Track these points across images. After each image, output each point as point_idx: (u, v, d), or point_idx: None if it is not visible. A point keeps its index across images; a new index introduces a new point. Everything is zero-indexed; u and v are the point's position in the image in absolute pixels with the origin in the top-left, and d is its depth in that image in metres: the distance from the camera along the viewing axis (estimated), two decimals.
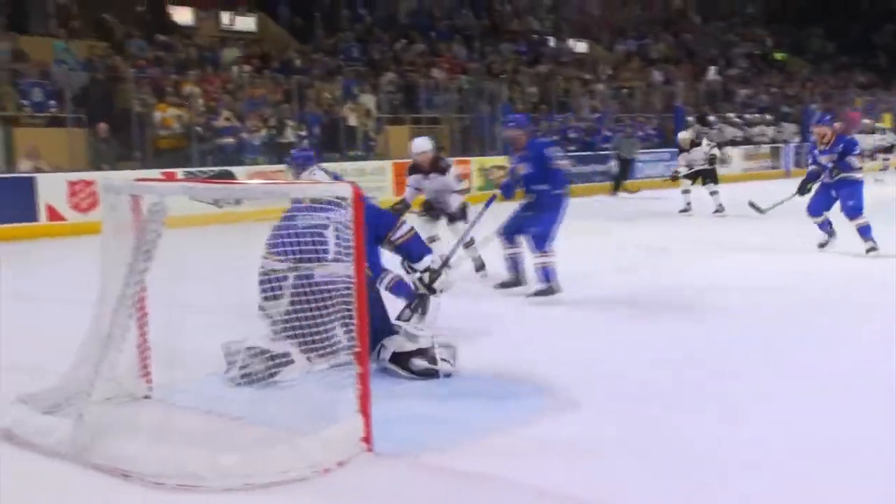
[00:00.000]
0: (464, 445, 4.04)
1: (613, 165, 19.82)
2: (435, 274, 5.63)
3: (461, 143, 19.80)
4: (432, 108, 19.94)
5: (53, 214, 12.75)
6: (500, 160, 18.68)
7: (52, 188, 12.82)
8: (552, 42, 27.00)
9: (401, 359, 5.05)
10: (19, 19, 16.20)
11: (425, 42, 22.73)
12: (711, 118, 24.11)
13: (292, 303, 4.80)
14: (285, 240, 5.03)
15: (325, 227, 5.06)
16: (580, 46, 27.95)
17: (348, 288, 4.18)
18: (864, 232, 9.38)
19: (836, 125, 10.22)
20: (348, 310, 4.18)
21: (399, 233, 5.56)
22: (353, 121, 17.78)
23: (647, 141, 22.23)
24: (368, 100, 18.53)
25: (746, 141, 24.77)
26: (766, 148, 23.47)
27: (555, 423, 4.35)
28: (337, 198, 4.36)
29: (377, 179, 16.40)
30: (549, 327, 6.51)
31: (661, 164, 21.12)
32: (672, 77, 27.16)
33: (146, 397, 4.59)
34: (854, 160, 9.42)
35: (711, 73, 28.63)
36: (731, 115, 25.66)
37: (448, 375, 5.01)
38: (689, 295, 7.62)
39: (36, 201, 12.67)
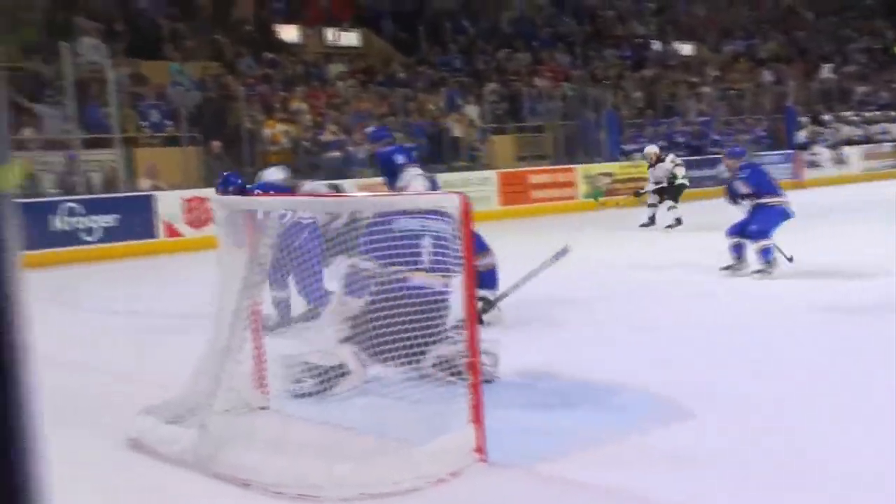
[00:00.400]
0: (575, 455, 4.00)
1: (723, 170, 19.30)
2: (488, 305, 5.65)
3: (565, 150, 19.67)
4: (536, 117, 19.88)
5: (170, 231, 13.21)
6: (606, 167, 18.48)
7: (169, 205, 13.30)
8: (657, 45, 26.59)
9: (443, 366, 4.84)
10: (137, 45, 16.91)
11: (528, 51, 22.69)
12: (826, 117, 23.29)
13: (372, 303, 4.79)
14: (378, 243, 4.98)
15: (421, 235, 5.05)
16: (686, 49, 27.45)
17: (438, 300, 4.28)
18: None
19: None
20: (436, 318, 4.24)
21: (483, 261, 5.57)
22: (457, 131, 17.88)
23: (757, 144, 21.63)
24: (472, 110, 18.61)
25: (867, 140, 23.83)
26: (888, 147, 22.51)
27: (663, 433, 4.27)
28: (443, 208, 4.37)
29: (482, 189, 16.44)
30: (653, 335, 6.39)
31: (772, 167, 20.48)
32: (783, 76, 26.37)
33: (263, 408, 4.70)
34: None
35: (825, 70, 27.65)
36: (849, 113, 24.71)
37: (489, 381, 4.76)
38: (792, 303, 7.38)
39: (154, 219, 13.18)
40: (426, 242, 5.02)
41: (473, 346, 4.00)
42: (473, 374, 3.99)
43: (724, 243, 8.92)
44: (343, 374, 4.82)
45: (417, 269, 4.93)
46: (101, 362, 6.16)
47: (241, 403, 4.46)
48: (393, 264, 4.92)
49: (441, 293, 4.86)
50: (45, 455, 0.82)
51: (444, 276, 4.90)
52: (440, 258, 4.87)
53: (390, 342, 4.56)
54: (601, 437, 4.23)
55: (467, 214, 4.05)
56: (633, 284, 8.55)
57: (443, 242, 4.84)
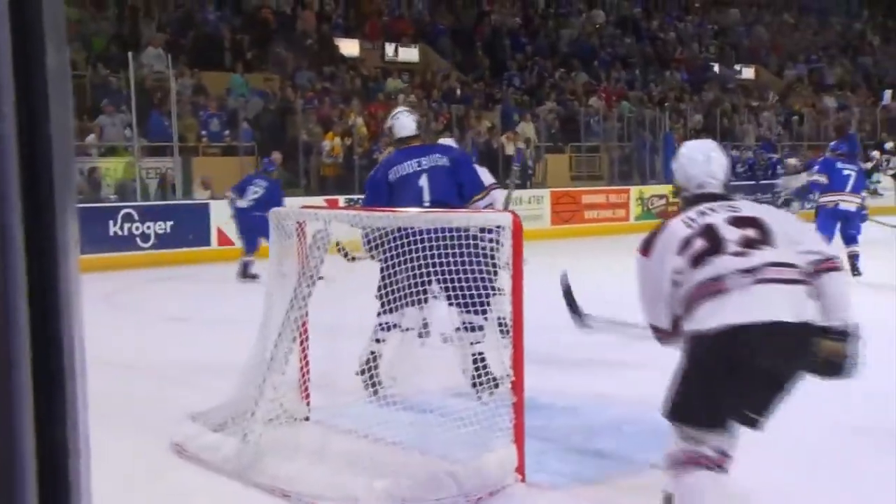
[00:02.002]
0: (617, 479, 3.97)
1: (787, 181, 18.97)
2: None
3: (620, 171, 19.54)
4: (592, 137, 19.78)
5: (223, 239, 13.38)
6: (660, 189, 18.31)
7: (223, 214, 13.48)
8: (717, 68, 26.33)
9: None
10: (200, 56, 17.21)
11: (586, 70, 22.62)
12: (890, 145, 22.79)
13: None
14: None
15: (420, 174, 5.28)
16: (747, 72, 27.12)
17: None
18: None
19: None
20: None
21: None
22: (510, 149, 17.87)
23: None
24: (528, 128, 18.58)
25: None
26: None
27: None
28: (497, 227, 4.35)
29: (534, 208, 16.40)
30: None
31: None
32: (848, 103, 25.91)
33: (306, 419, 4.72)
34: None
35: (887, 97, 27.12)
36: None
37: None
38: None
39: (209, 226, 13.36)
40: (423, 180, 5.18)
41: (518, 365, 3.98)
42: (517, 393, 3.97)
43: None
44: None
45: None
46: (151, 366, 6.25)
47: (284, 414, 4.49)
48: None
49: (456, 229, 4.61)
50: (89, 458, 0.83)
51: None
52: (439, 197, 5.06)
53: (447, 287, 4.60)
54: (644, 462, 4.16)
55: (519, 232, 4.05)
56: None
57: (437, 174, 5.13)
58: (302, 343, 4.72)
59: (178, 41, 17.15)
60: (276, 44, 18.62)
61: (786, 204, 17.50)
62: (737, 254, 2.96)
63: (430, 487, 3.68)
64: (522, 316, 4.02)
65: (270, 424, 4.34)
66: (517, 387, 3.96)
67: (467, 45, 21.87)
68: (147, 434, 4.61)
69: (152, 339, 7.32)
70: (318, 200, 13.20)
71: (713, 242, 3.01)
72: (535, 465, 3.97)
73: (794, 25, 30.77)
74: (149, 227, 12.82)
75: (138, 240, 12.80)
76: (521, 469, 3.91)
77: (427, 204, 5.18)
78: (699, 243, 3.03)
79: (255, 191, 10.61)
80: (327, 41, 19.85)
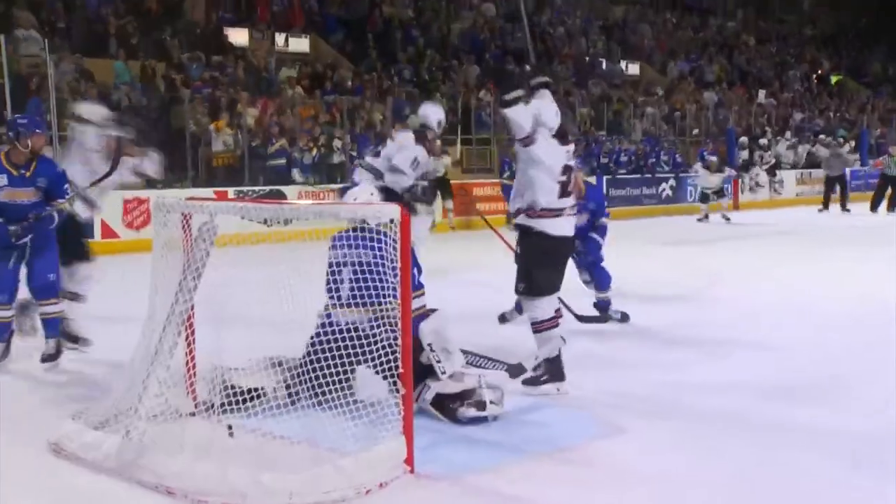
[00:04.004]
0: (506, 468, 4.03)
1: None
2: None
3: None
4: (483, 130, 19.93)
5: (107, 232, 12.96)
6: None
7: (107, 206, 13.03)
8: (604, 64, 26.87)
9: (444, 403, 4.71)
10: (82, 41, 16.56)
11: (476, 64, 22.77)
12: (764, 141, 23.72)
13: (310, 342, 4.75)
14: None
15: (343, 265, 4.91)
16: (632, 68, 27.76)
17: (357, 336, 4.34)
18: None
19: None
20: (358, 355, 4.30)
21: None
22: None
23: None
24: (417, 121, 18.58)
25: (809, 165, 24.26)
26: (820, 173, 23.04)
27: (601, 449, 4.32)
28: (383, 219, 4.36)
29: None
30: (597, 352, 6.44)
31: None
32: (725, 100, 26.84)
33: (192, 414, 4.63)
34: None
35: (761, 96, 28.25)
36: (785, 138, 25.20)
37: (496, 418, 4.70)
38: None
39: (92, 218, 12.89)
40: (346, 275, 4.85)
41: (406, 356, 4.00)
42: (405, 385, 3.99)
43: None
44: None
45: (336, 304, 4.86)
46: (27, 366, 6.00)
47: (169, 409, 4.39)
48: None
49: (363, 328, 4.62)
50: None
51: (367, 309, 4.73)
52: (362, 290, 4.71)
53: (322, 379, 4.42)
54: (532, 451, 4.25)
55: (406, 226, 4.06)
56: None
57: (365, 270, 4.71)
58: (188, 337, 4.64)
59: (57, 24, 16.46)
60: (163, 31, 18.09)
61: (703, 199, 18.07)
62: None
63: (318, 481, 3.67)
64: (410, 308, 4.04)
65: (155, 420, 4.24)
66: (406, 379, 3.98)
67: (359, 36, 21.72)
68: (22, 436, 4.45)
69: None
70: (208, 192, 12.89)
71: None
72: (425, 456, 3.99)
73: (676, 24, 31.68)
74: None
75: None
76: (410, 460, 3.94)
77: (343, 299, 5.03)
78: None
79: None
80: (216, 29, 19.39)
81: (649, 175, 20.51)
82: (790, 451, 4.23)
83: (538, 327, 5.31)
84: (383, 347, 4.23)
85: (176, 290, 4.44)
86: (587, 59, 26.50)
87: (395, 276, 4.39)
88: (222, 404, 4.45)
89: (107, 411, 4.42)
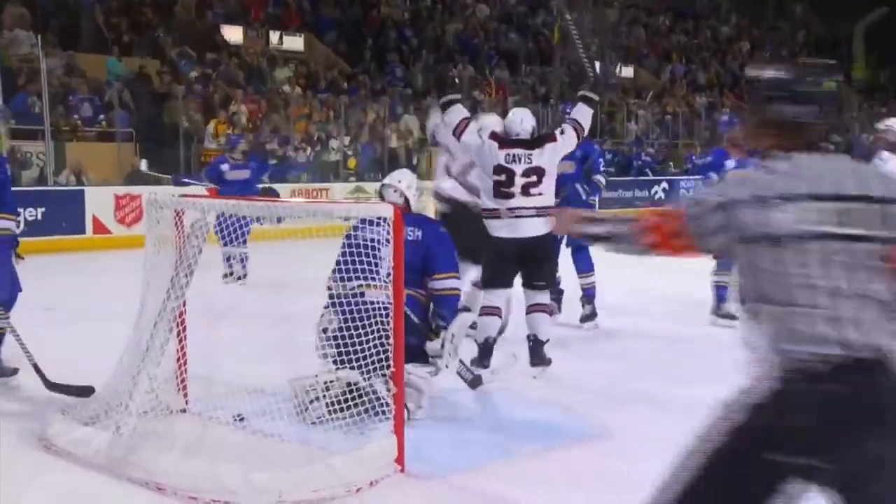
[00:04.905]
0: (494, 468, 4.05)
1: None
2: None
3: None
4: None
5: (99, 227, 12.93)
6: None
7: (99, 201, 13.01)
8: (597, 66, 26.81)
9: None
10: (72, 36, 16.50)
11: (470, 65, 22.70)
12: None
13: (342, 320, 4.49)
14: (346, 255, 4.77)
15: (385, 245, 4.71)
16: (626, 71, 27.71)
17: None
18: None
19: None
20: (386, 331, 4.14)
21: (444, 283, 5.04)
22: (394, 142, 17.86)
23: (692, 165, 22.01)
24: (412, 122, 18.57)
25: None
26: None
27: (587, 450, 4.34)
28: (379, 218, 4.35)
29: (419, 201, 16.38)
30: (585, 354, 6.45)
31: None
32: (718, 104, 26.89)
33: (183, 411, 4.63)
34: None
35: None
36: None
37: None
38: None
39: (84, 213, 12.86)
40: (385, 253, 4.69)
41: (398, 356, 4.01)
42: (397, 384, 4.00)
43: None
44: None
45: (372, 284, 4.66)
46: (20, 358, 5.96)
47: (160, 406, 4.39)
48: (354, 277, 4.67)
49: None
50: None
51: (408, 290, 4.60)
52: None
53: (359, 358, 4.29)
54: (519, 452, 4.27)
55: (399, 225, 4.07)
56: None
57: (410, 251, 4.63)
58: (179, 333, 4.63)
59: (50, 20, 16.41)
60: (156, 27, 18.04)
61: None
62: None
63: (309, 479, 3.67)
64: (403, 306, 4.05)
65: (145, 417, 4.23)
66: (397, 378, 3.99)
67: (353, 37, 21.67)
68: (11, 430, 4.44)
69: (21, 330, 6.97)
70: (200, 190, 12.85)
71: None
72: (415, 455, 4.00)
73: (670, 28, 31.68)
74: (19, 214, 12.22)
75: None
76: (400, 459, 3.94)
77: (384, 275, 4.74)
78: None
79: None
80: (211, 27, 19.33)
81: (641, 178, 20.55)
82: None
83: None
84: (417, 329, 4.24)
85: (168, 286, 4.44)
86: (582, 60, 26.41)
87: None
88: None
89: (97, 407, 4.42)
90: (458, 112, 5.79)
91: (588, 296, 7.42)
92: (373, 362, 4.26)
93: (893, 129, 7.82)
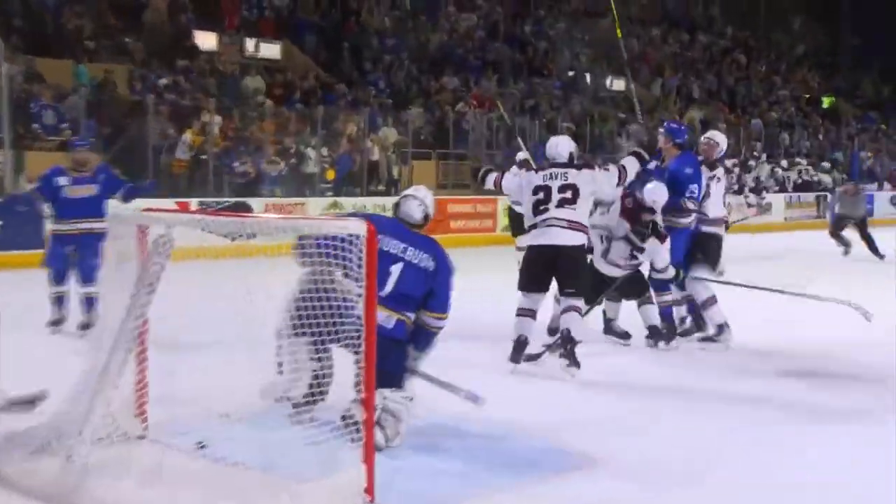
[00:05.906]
0: (466, 500, 3.92)
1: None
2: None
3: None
4: (461, 144, 19.62)
5: None
6: None
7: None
8: (588, 79, 26.53)
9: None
10: (36, 41, 16.05)
11: (455, 75, 22.41)
12: (752, 162, 23.44)
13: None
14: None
15: (398, 260, 4.78)
16: (617, 84, 27.26)
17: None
18: None
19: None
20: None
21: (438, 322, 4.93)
22: (375, 154, 17.58)
23: None
24: (390, 133, 18.31)
25: (800, 187, 23.84)
26: (810, 196, 22.23)
27: (565, 483, 4.20)
28: (350, 235, 4.08)
29: None
30: (563, 384, 6.18)
31: None
32: (712, 118, 26.46)
33: (141, 437, 4.40)
34: None
35: (751, 115, 28.08)
36: (774, 159, 24.81)
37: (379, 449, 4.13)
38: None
39: (44, 228, 12.34)
40: (395, 270, 4.70)
41: (369, 382, 3.81)
42: (367, 411, 3.80)
43: None
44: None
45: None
46: None
47: (117, 431, 4.16)
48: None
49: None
50: None
51: (396, 314, 4.65)
52: (403, 291, 4.66)
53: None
54: (494, 484, 4.12)
55: (372, 242, 3.87)
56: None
57: (415, 273, 4.70)
58: (139, 355, 4.40)
59: (13, 22, 15.91)
60: (124, 32, 17.60)
61: None
62: None
63: None
64: (375, 328, 3.85)
65: (101, 443, 4.02)
66: (368, 405, 3.79)
67: (332, 44, 21.32)
68: None
69: None
70: (169, 203, 12.44)
71: None
72: (385, 485, 3.82)
73: (664, 40, 31.39)
74: None
75: None
76: (370, 489, 3.75)
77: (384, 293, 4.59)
78: None
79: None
80: (183, 33, 18.85)
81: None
82: (781, 472, 4.11)
83: None
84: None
85: (128, 305, 4.23)
86: (571, 73, 26.16)
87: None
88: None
89: (48, 433, 4.16)
90: (491, 175, 6.94)
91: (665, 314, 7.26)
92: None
93: (713, 142, 7.74)
